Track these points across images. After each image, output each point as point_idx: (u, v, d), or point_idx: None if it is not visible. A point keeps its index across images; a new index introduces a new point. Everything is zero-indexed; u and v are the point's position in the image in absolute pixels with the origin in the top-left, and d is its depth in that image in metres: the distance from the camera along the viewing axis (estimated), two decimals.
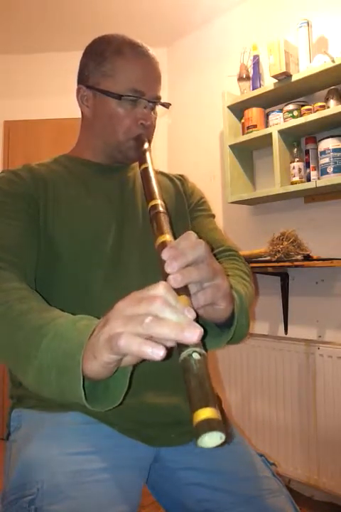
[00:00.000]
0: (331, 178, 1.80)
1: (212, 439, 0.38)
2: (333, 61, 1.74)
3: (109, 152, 0.88)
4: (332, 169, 1.81)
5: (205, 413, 0.39)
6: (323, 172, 1.85)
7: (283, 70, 1.86)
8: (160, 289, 0.46)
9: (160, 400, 0.78)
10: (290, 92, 1.98)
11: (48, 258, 0.78)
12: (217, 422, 0.39)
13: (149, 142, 0.84)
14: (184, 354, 0.43)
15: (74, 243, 0.79)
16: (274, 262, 1.86)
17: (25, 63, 2.80)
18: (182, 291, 0.49)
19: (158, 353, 0.42)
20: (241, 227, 2.30)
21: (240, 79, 2.16)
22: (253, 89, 2.10)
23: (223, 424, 0.39)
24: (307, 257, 1.81)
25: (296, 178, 1.92)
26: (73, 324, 0.54)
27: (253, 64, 2.14)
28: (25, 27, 2.52)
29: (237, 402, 2.12)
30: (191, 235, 0.55)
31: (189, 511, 0.79)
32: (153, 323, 0.43)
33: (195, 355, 0.43)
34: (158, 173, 0.95)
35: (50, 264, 0.78)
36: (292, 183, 1.93)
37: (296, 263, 1.83)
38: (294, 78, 1.88)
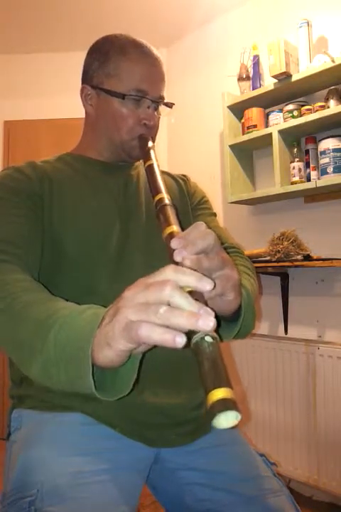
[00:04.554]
0: (331, 178, 1.80)
1: (227, 420, 0.38)
2: (333, 61, 1.74)
3: (112, 151, 0.89)
4: (332, 169, 1.81)
5: (220, 393, 0.38)
6: (323, 172, 1.85)
7: (283, 70, 1.86)
8: (168, 272, 0.45)
9: (160, 400, 0.78)
10: (290, 92, 1.98)
11: (52, 256, 0.78)
12: (233, 402, 0.38)
13: (153, 141, 0.84)
14: (196, 338, 0.42)
15: (79, 241, 0.78)
16: (274, 262, 1.86)
17: (25, 63, 2.79)
18: None
19: (179, 341, 0.42)
20: (241, 227, 2.30)
21: (240, 79, 2.16)
22: (253, 89, 2.10)
23: (237, 403, 0.38)
24: (307, 257, 1.81)
25: (296, 178, 1.92)
26: (80, 314, 0.53)
27: (253, 64, 2.14)
28: (25, 27, 2.52)
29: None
30: (201, 225, 0.55)
31: (190, 511, 0.79)
32: (167, 313, 0.43)
33: (208, 338, 0.42)
34: (162, 172, 0.96)
35: (54, 262, 0.78)
36: (292, 183, 1.93)
37: (296, 263, 1.83)
38: (294, 78, 1.88)
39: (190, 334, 0.43)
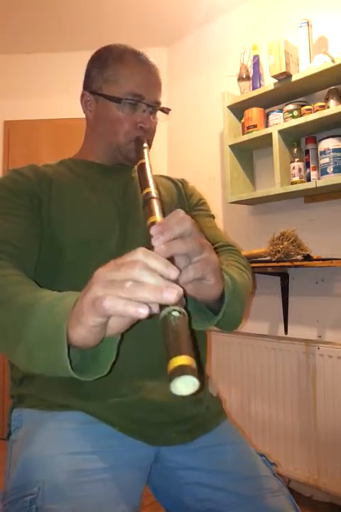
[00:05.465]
0: (331, 178, 1.80)
1: (186, 385, 0.39)
2: (333, 61, 1.74)
3: (111, 154, 0.91)
4: (332, 169, 1.81)
5: (179, 360, 0.40)
6: (323, 172, 1.85)
7: (283, 70, 1.86)
8: (138, 254, 0.47)
9: (160, 397, 0.78)
10: (290, 92, 1.98)
11: (50, 256, 0.78)
12: (191, 369, 0.39)
13: (149, 145, 0.87)
14: (164, 312, 0.45)
15: (78, 242, 0.79)
16: (274, 262, 1.86)
17: (25, 63, 2.80)
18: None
19: (142, 312, 0.44)
20: (241, 227, 2.30)
21: (240, 79, 2.16)
22: (253, 89, 2.10)
23: (197, 372, 0.40)
24: (307, 257, 1.81)
25: (296, 178, 1.92)
26: (59, 300, 0.55)
27: (253, 64, 2.14)
28: (25, 27, 2.52)
29: (237, 402, 2.12)
30: (179, 211, 0.57)
31: (190, 511, 0.79)
32: (133, 287, 0.45)
33: (175, 313, 0.44)
34: (161, 176, 0.99)
35: (52, 262, 0.79)
36: (292, 183, 1.93)
37: (296, 263, 1.83)
38: (294, 78, 1.88)
39: (160, 309, 0.45)
